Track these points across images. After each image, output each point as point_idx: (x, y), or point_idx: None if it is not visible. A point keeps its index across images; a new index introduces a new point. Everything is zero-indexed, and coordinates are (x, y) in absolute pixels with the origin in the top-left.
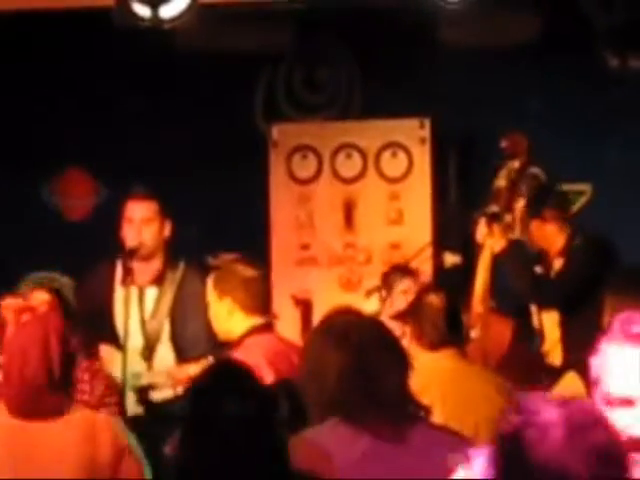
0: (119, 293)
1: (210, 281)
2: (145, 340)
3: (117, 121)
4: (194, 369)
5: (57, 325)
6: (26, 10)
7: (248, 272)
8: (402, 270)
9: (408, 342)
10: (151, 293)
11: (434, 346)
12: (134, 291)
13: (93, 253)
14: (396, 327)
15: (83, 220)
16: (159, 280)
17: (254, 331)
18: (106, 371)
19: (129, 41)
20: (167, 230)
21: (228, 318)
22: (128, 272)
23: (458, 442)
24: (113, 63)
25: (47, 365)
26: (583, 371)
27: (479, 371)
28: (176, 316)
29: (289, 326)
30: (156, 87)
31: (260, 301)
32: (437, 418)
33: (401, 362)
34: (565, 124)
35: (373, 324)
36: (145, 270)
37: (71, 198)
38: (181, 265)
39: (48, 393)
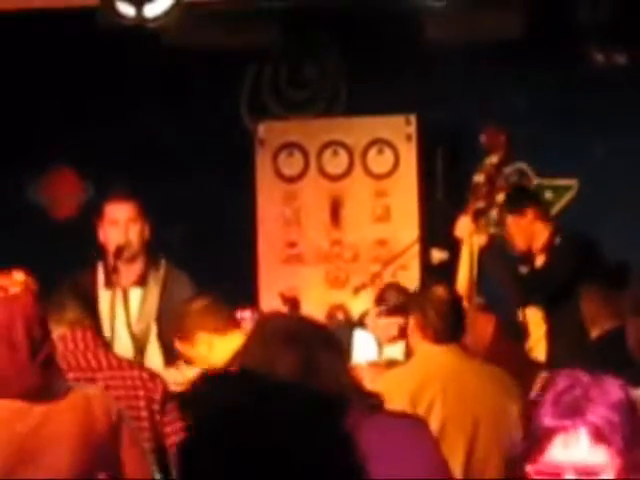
0: (104, 295)
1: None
2: (134, 342)
3: (103, 119)
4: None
5: (26, 308)
6: (10, 10)
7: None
8: (399, 289)
9: (410, 333)
10: (135, 294)
11: (438, 338)
12: (118, 293)
13: (80, 251)
14: (385, 325)
15: (70, 218)
16: (142, 281)
17: None
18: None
19: (114, 40)
20: (147, 231)
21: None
22: (114, 272)
23: (415, 425)
24: (98, 62)
25: (9, 350)
26: (562, 367)
27: (480, 366)
28: (163, 315)
29: None
30: (141, 86)
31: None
32: (437, 413)
33: (343, 358)
34: (551, 120)
35: (313, 323)
36: (128, 272)
37: (57, 196)
38: (162, 263)
39: (14, 377)
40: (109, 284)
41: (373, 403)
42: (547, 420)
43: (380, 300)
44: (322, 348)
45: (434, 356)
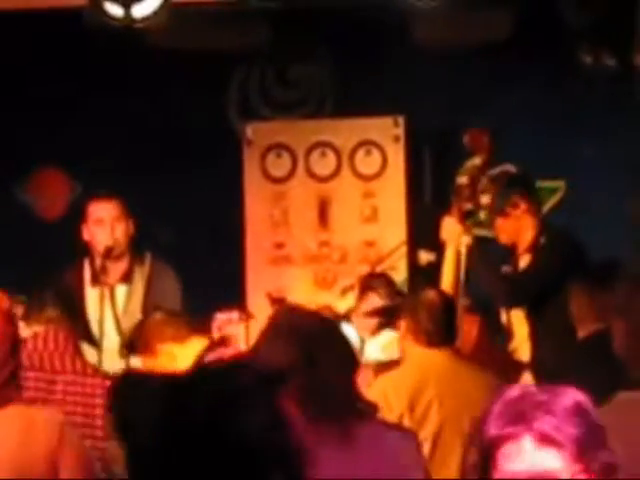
0: (91, 294)
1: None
2: (121, 338)
3: (90, 120)
4: None
5: None
6: (7, 10)
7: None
8: (384, 278)
9: (401, 337)
10: (121, 290)
11: (431, 342)
12: (106, 291)
13: (69, 251)
14: (368, 325)
15: (58, 218)
16: (128, 277)
17: (208, 349)
18: None
19: (101, 40)
20: (132, 228)
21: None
22: (103, 272)
23: (405, 437)
24: (85, 62)
25: None
26: (547, 369)
27: (472, 369)
28: (149, 310)
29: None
30: (129, 86)
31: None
32: (434, 415)
33: (349, 359)
34: (539, 121)
35: (321, 319)
36: (114, 269)
37: (46, 196)
38: (147, 258)
39: None
40: (96, 282)
41: (366, 410)
42: (492, 430)
43: (366, 287)
44: (325, 344)
45: (427, 360)
